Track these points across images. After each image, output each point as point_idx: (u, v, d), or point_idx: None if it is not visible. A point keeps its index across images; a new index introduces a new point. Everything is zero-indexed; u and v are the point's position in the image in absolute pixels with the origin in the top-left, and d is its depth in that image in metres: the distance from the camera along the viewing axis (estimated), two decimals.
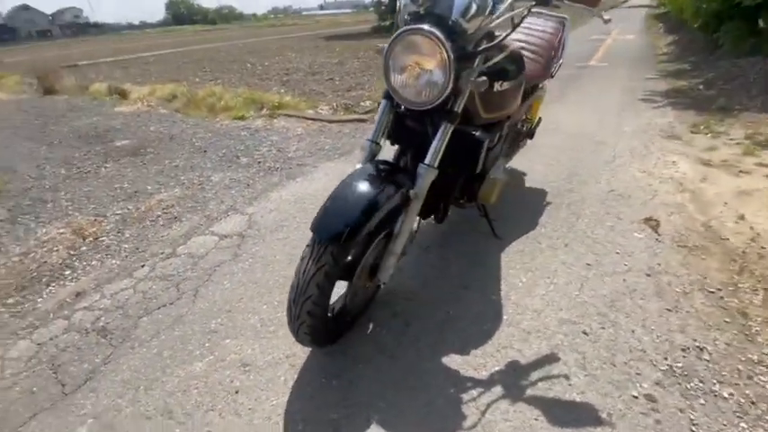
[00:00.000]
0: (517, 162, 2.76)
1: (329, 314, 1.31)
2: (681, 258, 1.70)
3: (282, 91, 5.95)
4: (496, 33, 1.19)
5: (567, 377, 1.21)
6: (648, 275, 1.62)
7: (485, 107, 1.29)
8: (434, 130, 1.20)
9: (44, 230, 2.36)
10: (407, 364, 1.30)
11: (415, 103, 1.14)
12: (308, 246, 1.08)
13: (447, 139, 1.20)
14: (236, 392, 1.25)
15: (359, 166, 1.25)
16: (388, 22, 22.51)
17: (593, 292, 1.56)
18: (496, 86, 1.27)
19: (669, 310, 1.43)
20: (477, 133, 1.31)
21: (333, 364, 1.31)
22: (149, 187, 2.86)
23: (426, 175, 1.21)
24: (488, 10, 1.06)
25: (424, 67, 1.08)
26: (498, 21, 1.12)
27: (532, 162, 2.81)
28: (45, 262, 2.06)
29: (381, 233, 1.26)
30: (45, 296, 1.80)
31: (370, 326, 1.47)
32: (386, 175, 1.20)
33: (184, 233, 2.24)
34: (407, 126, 1.31)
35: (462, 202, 1.68)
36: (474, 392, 1.19)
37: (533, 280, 1.66)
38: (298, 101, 5.20)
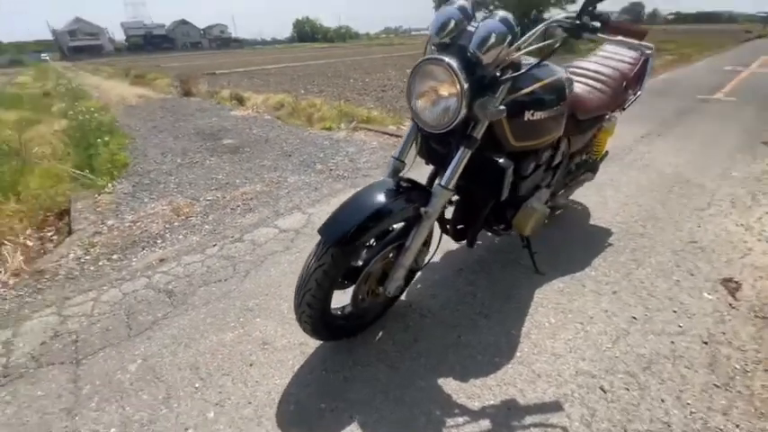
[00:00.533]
0: (586, 195, 2.57)
1: (339, 312, 1.41)
2: (754, 331, 1.43)
3: (373, 106, 6.34)
4: (524, 63, 1.18)
5: (564, 430, 1.12)
6: (705, 343, 1.40)
7: (514, 135, 1.28)
8: (455, 152, 1.24)
9: (152, 205, 2.90)
10: (403, 378, 1.33)
11: (433, 126, 1.19)
12: (316, 244, 1.20)
13: (464, 163, 1.23)
14: (251, 365, 1.42)
15: (382, 178, 1.34)
16: None
17: (629, 348, 1.40)
18: (527, 115, 1.25)
19: (717, 386, 1.23)
20: (501, 160, 1.30)
21: (335, 360, 1.40)
22: (238, 180, 3.31)
23: (440, 195, 1.25)
24: (507, 42, 1.07)
25: (440, 94, 1.14)
26: (521, 53, 1.12)
27: (605, 198, 2.59)
28: (146, 230, 2.54)
29: (393, 244, 1.33)
30: (139, 257, 2.23)
31: (380, 334, 1.53)
32: (402, 190, 1.27)
33: (254, 223, 2.56)
34: (434, 147, 1.37)
35: (496, 228, 1.65)
36: (459, 420, 1.17)
37: (563, 322, 1.55)
38: (385, 116, 5.50)
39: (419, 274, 1.75)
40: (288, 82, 11.06)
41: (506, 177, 1.31)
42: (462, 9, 1.16)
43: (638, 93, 2.01)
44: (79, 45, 72.86)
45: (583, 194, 2.61)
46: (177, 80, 9.46)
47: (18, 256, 2.33)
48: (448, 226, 1.62)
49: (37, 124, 6.95)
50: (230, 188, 3.15)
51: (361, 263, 1.31)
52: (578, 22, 1.05)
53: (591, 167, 2.09)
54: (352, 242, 1.13)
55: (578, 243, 2.09)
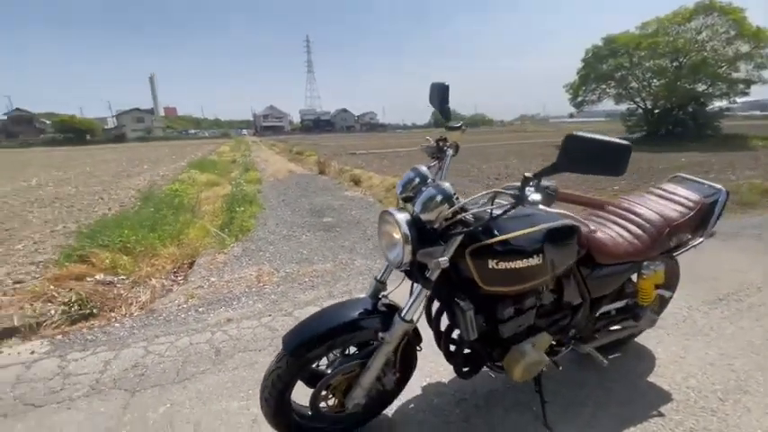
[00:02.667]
0: (662, 341, 2.17)
1: (300, 410, 1.52)
2: None
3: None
4: (476, 219, 1.27)
5: None
6: None
7: (482, 279, 1.30)
8: (415, 289, 1.35)
9: (246, 270, 3.57)
10: None
11: (391, 263, 1.34)
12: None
13: (422, 299, 1.33)
14: None
15: (362, 296, 1.51)
16: (636, 135, 20.61)
17: None
18: (491, 263, 1.28)
19: None
20: (462, 302, 1.33)
21: None
22: (316, 257, 3.81)
23: (398, 325, 1.34)
24: (445, 205, 1.20)
25: (393, 239, 1.31)
26: (466, 214, 1.23)
27: (687, 350, 2.13)
28: (231, 291, 3.13)
29: (361, 360, 1.44)
30: (215, 314, 2.77)
31: None
32: (374, 311, 1.41)
33: (308, 300, 2.92)
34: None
35: (490, 365, 1.59)
36: None
37: None
38: None
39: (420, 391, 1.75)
40: (410, 165, 12.16)
41: (467, 319, 1.33)
42: (421, 174, 1.38)
43: (700, 239, 1.74)
44: (268, 125, 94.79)
45: (658, 338, 2.21)
46: (320, 159, 11.44)
47: (147, 294, 3.16)
48: (441, 340, 1.64)
49: (216, 186, 9.23)
50: (307, 264, 3.65)
51: (330, 371, 1.45)
52: (518, 193, 1.13)
53: (634, 316, 1.82)
54: (304, 354, 1.32)
55: (615, 403, 1.78)
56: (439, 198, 1.21)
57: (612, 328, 1.84)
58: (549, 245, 1.35)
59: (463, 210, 1.26)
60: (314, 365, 1.46)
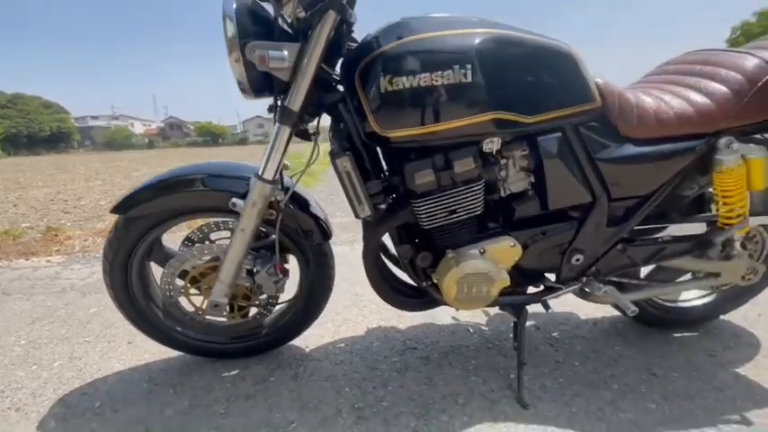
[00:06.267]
0: None
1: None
2: None
3: None
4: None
5: None
6: None
7: (376, 116, 0.80)
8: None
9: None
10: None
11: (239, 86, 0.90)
12: None
13: (282, 147, 0.90)
14: None
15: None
16: None
17: None
18: (384, 83, 0.76)
19: None
20: (337, 147, 0.84)
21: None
22: (339, 213, 3.53)
23: (254, 187, 0.94)
24: None
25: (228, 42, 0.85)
26: None
27: None
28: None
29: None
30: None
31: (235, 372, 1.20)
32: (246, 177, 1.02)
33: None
34: None
35: (419, 281, 1.05)
36: None
37: None
38: None
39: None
40: None
41: (342, 172, 0.85)
42: None
43: None
44: None
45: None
46: None
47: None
48: None
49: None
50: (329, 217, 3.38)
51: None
52: None
53: (704, 244, 1.05)
54: (130, 209, 1.00)
55: (658, 395, 1.07)
56: None
57: (667, 265, 1.10)
58: (495, 65, 0.79)
59: None
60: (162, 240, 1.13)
